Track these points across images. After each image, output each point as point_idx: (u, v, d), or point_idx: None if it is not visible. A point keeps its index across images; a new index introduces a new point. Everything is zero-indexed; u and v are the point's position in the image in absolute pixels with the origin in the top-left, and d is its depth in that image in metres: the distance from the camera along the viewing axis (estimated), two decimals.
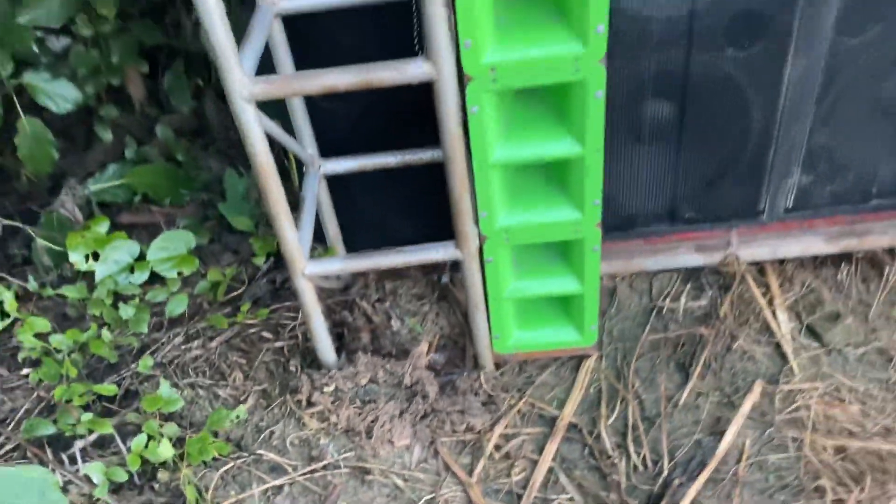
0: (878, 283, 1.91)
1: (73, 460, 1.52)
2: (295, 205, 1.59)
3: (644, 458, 1.57)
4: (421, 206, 1.82)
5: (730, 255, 1.95)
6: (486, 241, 1.51)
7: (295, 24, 1.54)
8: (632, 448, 1.59)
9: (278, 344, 1.74)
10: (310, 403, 1.59)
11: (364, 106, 1.71)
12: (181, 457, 1.49)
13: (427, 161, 1.67)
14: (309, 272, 1.47)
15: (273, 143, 1.35)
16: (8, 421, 1.64)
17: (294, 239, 1.42)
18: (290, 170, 1.79)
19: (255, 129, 1.26)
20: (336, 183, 1.79)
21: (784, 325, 1.84)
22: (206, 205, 2.19)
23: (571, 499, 1.51)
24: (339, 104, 1.70)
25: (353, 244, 1.93)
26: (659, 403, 1.68)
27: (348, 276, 1.89)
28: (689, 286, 1.95)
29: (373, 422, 1.55)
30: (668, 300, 1.91)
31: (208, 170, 2.26)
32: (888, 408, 1.65)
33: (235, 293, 1.90)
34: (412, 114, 1.66)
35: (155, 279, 1.91)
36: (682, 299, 1.91)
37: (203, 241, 2.05)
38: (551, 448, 1.58)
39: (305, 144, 1.67)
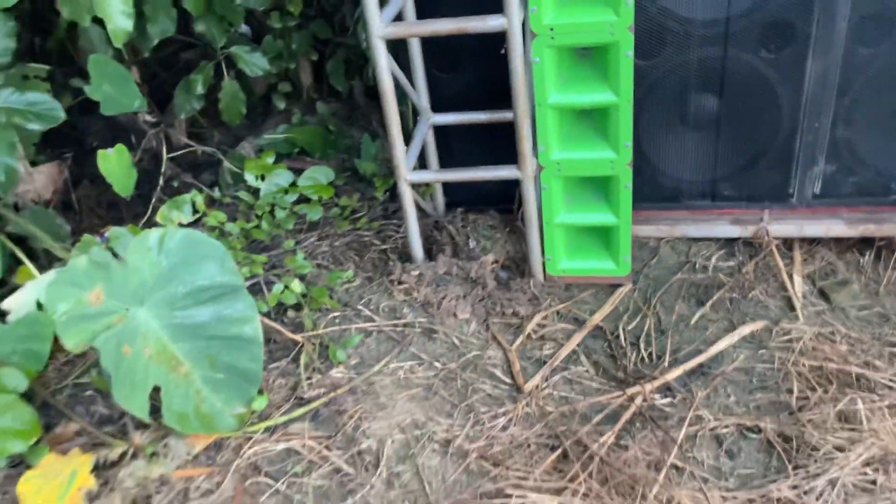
0: (891, 265, 2.22)
1: None
2: (408, 139, 2.18)
3: (651, 353, 1.98)
4: (503, 156, 2.35)
5: (761, 230, 2.33)
6: (543, 171, 2.01)
7: None
8: (643, 346, 2.00)
9: (383, 247, 2.30)
10: (399, 283, 2.12)
11: (466, 78, 2.28)
12: (304, 304, 2.06)
13: (509, 120, 2.20)
14: (410, 178, 2.03)
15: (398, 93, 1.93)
16: None
17: (402, 151, 1.99)
18: (407, 114, 2.38)
19: (383, 60, 1.85)
20: (440, 133, 2.35)
21: (798, 286, 2.19)
22: (346, 161, 2.82)
23: (587, 371, 1.94)
24: (449, 75, 2.29)
25: (450, 185, 2.48)
26: (672, 320, 2.08)
27: (442, 210, 2.43)
28: (722, 251, 2.34)
29: (442, 298, 2.06)
30: (701, 258, 2.31)
31: (350, 137, 2.91)
32: (873, 350, 1.96)
33: (358, 215, 2.50)
34: (501, 86, 2.21)
35: (301, 201, 2.54)
36: (713, 259, 2.30)
37: (340, 182, 2.67)
38: (578, 337, 2.02)
39: (422, 99, 2.25)
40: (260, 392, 1.77)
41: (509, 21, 1.74)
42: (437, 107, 2.31)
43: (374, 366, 1.93)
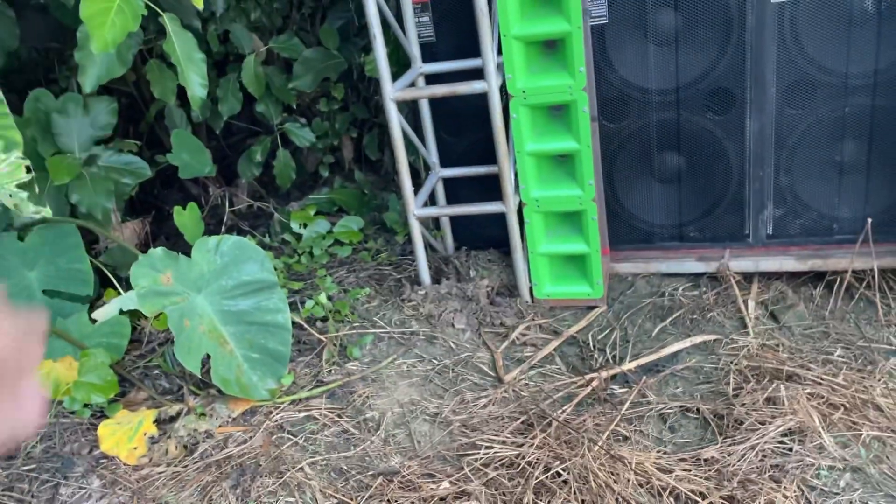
0: (839, 296, 2.56)
1: None
2: (420, 187, 2.68)
3: (615, 356, 2.35)
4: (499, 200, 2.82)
5: (722, 266, 2.71)
6: (525, 207, 2.47)
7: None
8: (608, 351, 2.38)
9: (398, 276, 2.77)
10: (408, 300, 2.57)
11: (468, 140, 2.79)
12: (329, 317, 2.52)
13: None
14: (417, 213, 2.52)
15: (413, 150, 2.46)
16: None
17: (410, 191, 2.49)
18: (419, 167, 2.89)
19: (394, 118, 2.39)
20: (450, 185, 2.85)
21: (751, 309, 2.55)
22: (376, 217, 3.34)
23: (559, 368, 2.32)
24: (455, 138, 2.81)
25: (458, 229, 2.95)
26: (637, 333, 2.45)
27: (452, 250, 2.89)
28: (689, 284, 2.72)
29: (443, 312, 2.49)
30: (670, 288, 2.70)
31: (381, 198, 3.44)
32: (809, 357, 2.30)
33: (380, 254, 2.98)
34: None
35: (336, 244, 3.04)
36: (680, 290, 2.69)
37: (369, 231, 3.18)
38: (554, 344, 2.42)
39: (431, 156, 2.77)
40: (288, 373, 2.21)
41: (489, 86, 2.26)
42: (445, 163, 2.82)
43: (382, 361, 2.35)
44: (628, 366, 2.27)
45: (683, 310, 2.55)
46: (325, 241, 3.03)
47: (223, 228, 3.11)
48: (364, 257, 2.92)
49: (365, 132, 3.58)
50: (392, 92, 2.34)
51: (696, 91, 2.53)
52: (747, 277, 2.70)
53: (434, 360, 2.36)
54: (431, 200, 2.87)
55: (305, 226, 3.06)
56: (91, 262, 2.67)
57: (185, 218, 3.15)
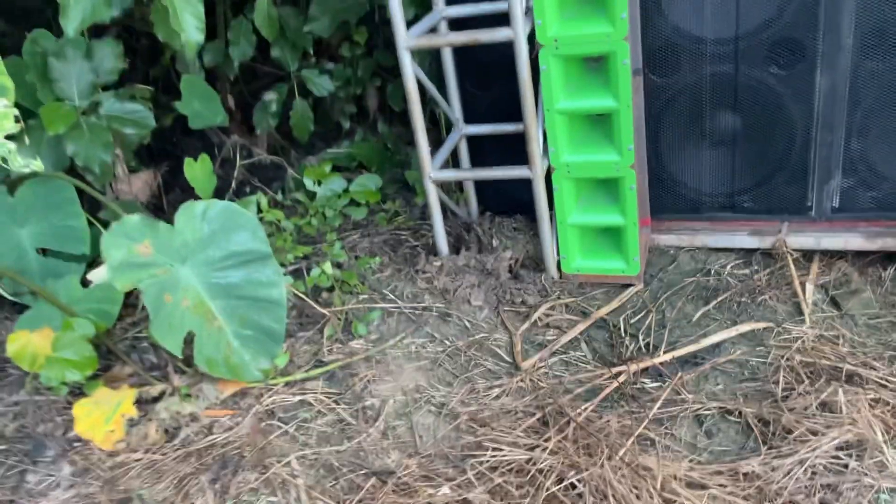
0: None
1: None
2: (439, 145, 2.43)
3: (648, 344, 2.10)
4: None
5: (779, 241, 2.40)
6: (554, 173, 2.20)
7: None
8: (641, 338, 2.12)
9: (415, 243, 2.54)
10: (423, 272, 2.34)
11: (496, 93, 2.50)
12: (336, 287, 2.31)
13: None
14: (434, 176, 2.27)
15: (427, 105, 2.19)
16: None
17: (427, 151, 2.23)
18: (441, 124, 2.62)
19: (409, 69, 2.11)
20: (475, 144, 2.58)
21: (809, 293, 2.25)
22: (398, 175, 3.09)
23: (584, 355, 2.07)
24: (482, 91, 2.52)
25: (483, 192, 2.69)
26: (675, 317, 2.18)
27: (476, 215, 2.64)
28: (739, 261, 2.42)
29: (459, 287, 2.26)
30: (717, 266, 2.41)
31: (406, 154, 3.18)
32: (873, 353, 2.00)
33: (399, 217, 2.75)
34: None
35: (352, 205, 2.82)
36: (729, 267, 2.39)
37: (389, 191, 2.94)
38: (581, 327, 2.17)
39: (455, 111, 2.49)
40: (284, 351, 2.01)
41: (515, 33, 1.96)
42: (471, 119, 2.54)
43: (389, 340, 2.14)
44: (663, 357, 2.01)
45: (731, 291, 2.26)
46: (341, 200, 2.81)
47: (233, 184, 2.91)
48: (380, 220, 2.69)
49: (390, 80, 3.31)
50: (406, 39, 2.07)
51: (758, 41, 2.19)
52: (807, 256, 2.39)
53: (446, 341, 2.14)
54: (454, 161, 2.60)
55: (320, 183, 2.84)
56: (90, 219, 2.50)
57: (197, 170, 2.95)
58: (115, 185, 3.27)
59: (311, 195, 2.84)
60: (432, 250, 2.47)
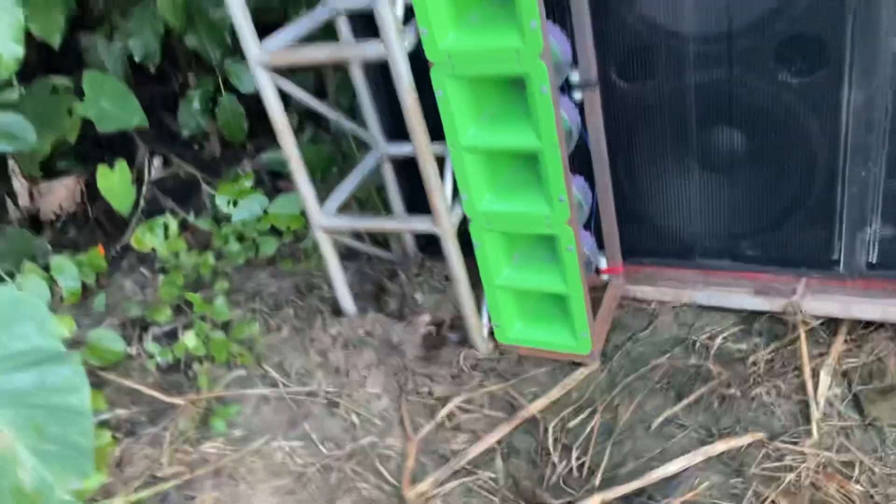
0: None
1: (152, 339, 1.98)
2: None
3: (583, 465, 1.55)
4: None
5: (792, 305, 1.78)
6: (471, 224, 1.64)
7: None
8: (576, 454, 1.57)
9: (326, 294, 2.04)
10: (317, 341, 1.85)
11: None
12: (207, 359, 1.85)
13: None
14: (323, 224, 1.75)
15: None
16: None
17: (311, 194, 1.71)
18: (350, 148, 2.08)
19: (269, 90, 1.58)
20: (403, 164, 2.03)
21: (823, 386, 1.64)
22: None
23: (495, 479, 1.56)
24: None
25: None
26: (630, 420, 1.62)
27: (413, 251, 2.11)
28: (737, 328, 1.82)
29: (355, 365, 1.76)
30: (705, 335, 1.81)
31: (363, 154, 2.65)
32: None
33: (312, 256, 2.25)
34: None
35: (272, 232, 2.33)
36: (720, 338, 1.79)
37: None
38: (502, 430, 1.64)
39: (371, 129, 1.94)
40: (98, 469, 1.59)
41: (388, 47, 1.39)
42: (398, 134, 1.99)
43: (254, 442, 1.68)
44: (597, 495, 1.46)
45: (715, 381, 1.67)
46: (260, 224, 2.32)
47: (141, 202, 2.47)
48: (283, 263, 2.19)
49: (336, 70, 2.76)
50: (259, 54, 1.53)
51: (760, 39, 1.54)
52: (829, 327, 1.77)
53: (324, 447, 1.66)
54: (380, 192, 2.07)
55: (236, 203, 2.36)
56: None
57: (112, 181, 2.54)
58: (36, 193, 2.91)
59: (228, 218, 2.37)
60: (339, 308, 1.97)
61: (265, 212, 2.36)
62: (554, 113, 1.40)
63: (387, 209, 2.10)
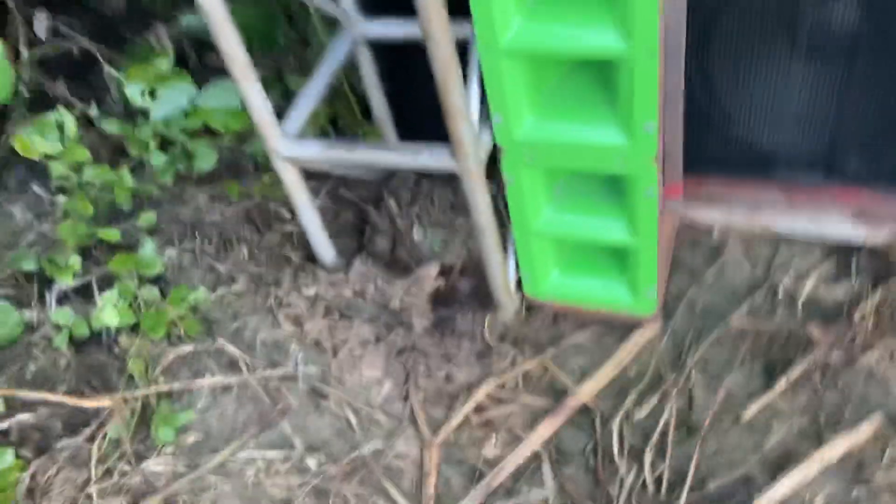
0: None
1: (58, 301, 1.47)
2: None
3: (660, 477, 1.19)
4: None
5: None
6: (504, 155, 1.14)
7: None
8: (648, 459, 1.20)
9: (290, 228, 1.53)
10: (287, 305, 1.38)
11: None
12: (140, 334, 1.37)
13: None
14: (285, 153, 1.22)
15: None
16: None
17: (261, 107, 1.17)
18: (310, 33, 1.50)
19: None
20: (388, 52, 1.47)
21: None
22: (301, 59, 1.97)
23: (545, 500, 1.18)
24: None
25: (411, 129, 1.63)
26: (712, 408, 1.25)
27: (384, 171, 1.60)
28: (828, 265, 1.42)
29: (343, 341, 1.31)
30: (789, 277, 1.41)
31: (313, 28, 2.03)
32: None
33: (266, 175, 1.71)
34: None
35: (207, 133, 1.76)
36: (811, 280, 1.40)
37: (277, 97, 1.86)
38: (546, 429, 1.25)
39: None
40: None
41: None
42: (378, 7, 1.41)
43: (217, 452, 1.25)
44: None
45: (813, 351, 1.29)
46: (188, 122, 1.75)
47: (21, 89, 1.83)
48: (228, 185, 1.64)
49: None
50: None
51: None
52: None
53: (310, 460, 1.24)
54: (352, 79, 1.52)
55: (153, 94, 1.76)
56: None
57: None
58: None
59: (145, 113, 1.78)
60: (312, 255, 1.48)
61: (194, 106, 1.77)
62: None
63: (364, 114, 1.56)
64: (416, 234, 1.44)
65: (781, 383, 1.26)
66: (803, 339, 1.31)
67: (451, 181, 1.52)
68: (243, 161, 1.75)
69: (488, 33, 0.99)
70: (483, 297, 1.42)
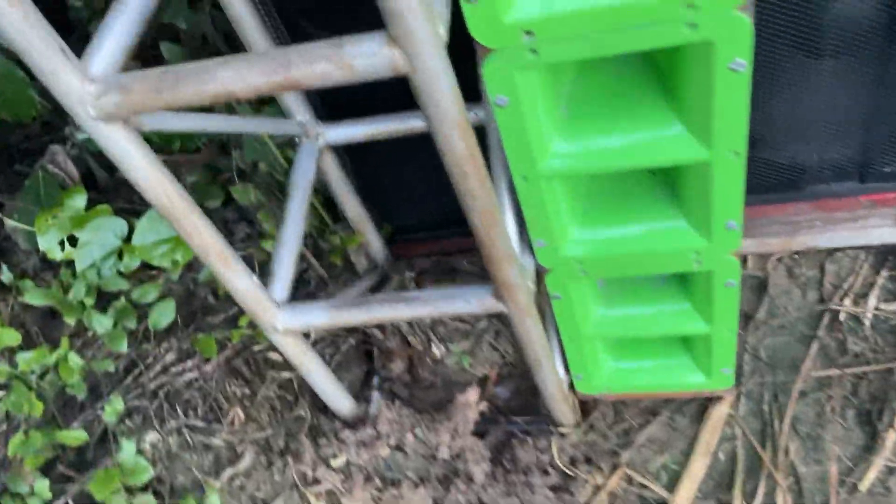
0: None
1: None
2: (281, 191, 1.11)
3: None
4: None
5: None
6: (549, 275, 0.95)
7: None
8: None
9: (287, 374, 1.31)
10: (314, 481, 1.16)
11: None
12: None
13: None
14: (282, 325, 0.99)
15: None
16: None
17: (250, 287, 0.93)
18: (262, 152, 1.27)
19: (128, 152, 0.75)
20: (352, 150, 1.25)
21: None
22: (224, 149, 1.71)
23: None
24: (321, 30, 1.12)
25: (393, 219, 1.42)
26: (825, 485, 1.11)
27: (383, 264, 1.39)
28: (884, 275, 1.30)
29: None
30: (848, 298, 1.28)
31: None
32: None
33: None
34: None
35: (144, 276, 1.50)
36: (873, 299, 1.27)
37: (215, 203, 1.60)
38: None
39: (293, 112, 1.13)
40: None
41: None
42: (332, 111, 1.18)
43: None
44: None
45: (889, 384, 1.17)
46: (126, 262, 1.48)
47: None
48: (202, 341, 1.39)
49: None
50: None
51: None
52: None
53: None
54: (317, 184, 1.29)
55: (74, 242, 1.48)
56: None
57: None
58: None
59: (68, 265, 1.49)
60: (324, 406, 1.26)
61: (126, 241, 1.50)
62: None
63: (335, 219, 1.34)
64: (436, 349, 1.24)
65: (891, 436, 1.13)
66: (883, 368, 1.19)
67: (460, 272, 1.33)
68: (199, 292, 1.50)
69: (525, 162, 0.79)
70: (527, 402, 1.24)
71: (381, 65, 0.62)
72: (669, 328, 1.05)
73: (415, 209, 1.43)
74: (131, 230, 1.50)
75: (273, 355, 1.34)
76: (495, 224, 0.79)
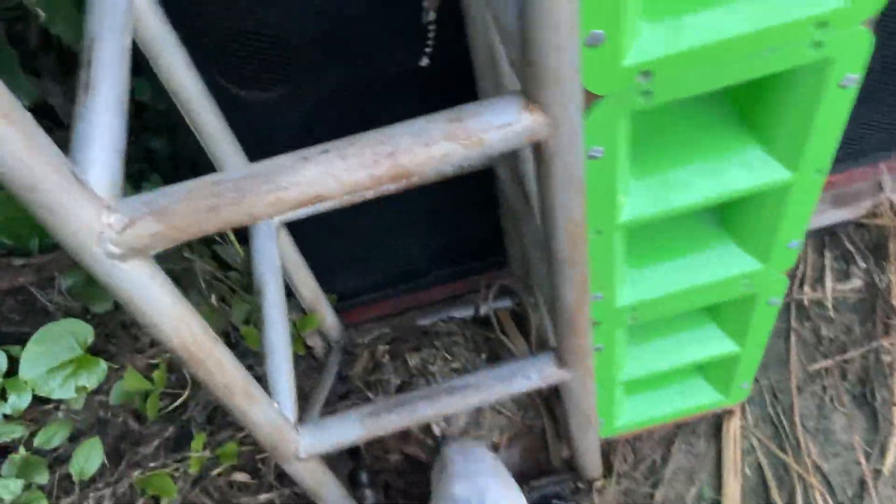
0: None
1: None
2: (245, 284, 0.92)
3: None
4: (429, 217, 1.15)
5: (881, 204, 1.34)
6: (599, 327, 0.86)
7: None
8: None
9: (265, 497, 1.10)
10: None
11: (305, 101, 0.96)
12: None
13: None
14: (308, 451, 0.82)
15: None
16: None
17: (271, 417, 0.75)
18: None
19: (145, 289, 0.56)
20: (300, 227, 1.09)
21: None
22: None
23: None
24: (277, 92, 0.96)
25: (335, 285, 1.26)
26: (852, 477, 1.12)
27: (340, 338, 1.23)
28: (829, 257, 1.35)
29: None
30: (806, 285, 1.31)
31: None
32: None
33: (181, 399, 1.22)
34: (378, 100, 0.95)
35: (43, 400, 1.22)
36: (829, 282, 1.31)
37: (108, 306, 1.34)
38: None
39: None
40: None
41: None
42: None
43: None
44: None
45: (879, 358, 1.22)
46: (13, 401, 1.19)
47: None
48: (154, 479, 1.14)
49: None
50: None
51: None
52: None
53: None
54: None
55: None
56: None
57: None
58: None
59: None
60: None
61: (6, 375, 1.20)
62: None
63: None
64: (436, 428, 1.11)
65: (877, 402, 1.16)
66: (872, 351, 1.23)
67: (441, 336, 1.20)
68: (115, 419, 1.24)
69: (604, 215, 0.70)
70: (538, 462, 1.14)
71: (516, 134, 0.50)
72: (697, 353, 1.00)
73: (356, 271, 1.28)
74: (11, 360, 1.22)
75: (239, 476, 1.13)
76: (587, 290, 0.68)
